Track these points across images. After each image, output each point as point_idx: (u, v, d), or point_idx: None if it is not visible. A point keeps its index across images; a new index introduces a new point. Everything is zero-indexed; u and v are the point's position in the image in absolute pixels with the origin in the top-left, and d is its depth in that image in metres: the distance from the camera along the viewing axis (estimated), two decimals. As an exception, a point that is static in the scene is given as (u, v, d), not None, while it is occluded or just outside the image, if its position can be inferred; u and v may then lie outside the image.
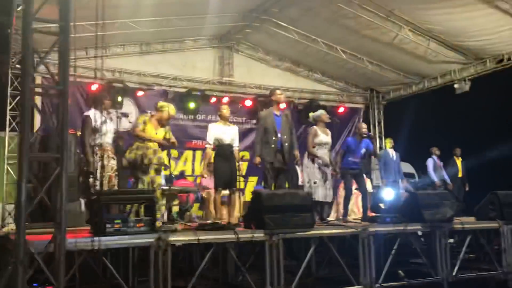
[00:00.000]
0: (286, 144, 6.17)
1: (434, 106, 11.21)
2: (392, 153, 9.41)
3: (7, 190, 8.84)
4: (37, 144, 5.25)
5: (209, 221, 5.42)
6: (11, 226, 5.96)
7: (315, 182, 6.22)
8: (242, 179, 10.82)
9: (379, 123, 13.54)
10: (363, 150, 7.02)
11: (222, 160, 6.03)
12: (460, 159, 10.89)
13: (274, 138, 6.15)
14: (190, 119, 11.58)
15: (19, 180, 3.13)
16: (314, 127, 6.56)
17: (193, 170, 11.45)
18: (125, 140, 6.20)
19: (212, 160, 6.30)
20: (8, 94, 9.23)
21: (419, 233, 6.01)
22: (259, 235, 4.66)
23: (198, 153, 11.26)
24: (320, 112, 6.74)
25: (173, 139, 5.78)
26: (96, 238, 3.70)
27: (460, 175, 10.73)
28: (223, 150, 6.11)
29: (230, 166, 6.06)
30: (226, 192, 8.92)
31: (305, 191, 5.24)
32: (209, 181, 8.04)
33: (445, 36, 10.13)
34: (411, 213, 5.61)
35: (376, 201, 5.90)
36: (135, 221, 4.29)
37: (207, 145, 6.20)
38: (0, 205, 8.45)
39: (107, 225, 4.09)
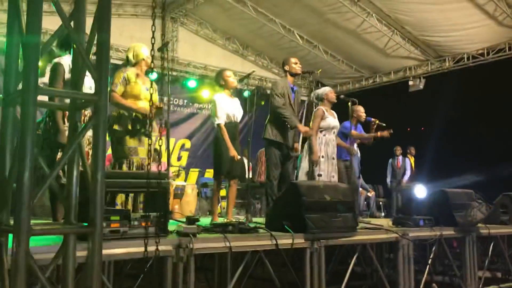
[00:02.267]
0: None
1: (385, 103, 10.69)
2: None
3: None
4: None
5: (225, 220, 4.01)
6: None
7: (319, 175, 5.08)
8: (183, 172, 9.52)
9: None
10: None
11: (231, 141, 4.62)
12: (413, 158, 10.50)
13: None
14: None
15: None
16: (321, 107, 5.46)
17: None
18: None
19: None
20: None
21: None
22: (299, 240, 3.41)
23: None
24: (326, 89, 5.64)
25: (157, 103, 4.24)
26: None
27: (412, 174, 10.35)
28: (232, 129, 4.72)
29: (239, 150, 4.69)
30: (180, 183, 7.50)
31: (345, 185, 4.07)
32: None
33: (411, 28, 9.65)
34: (441, 215, 4.76)
35: (406, 199, 4.95)
36: (140, 219, 2.82)
37: (218, 122, 4.66)
38: None
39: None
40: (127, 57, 4.33)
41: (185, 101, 10.74)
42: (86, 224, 2.00)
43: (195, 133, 10.47)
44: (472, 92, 9.39)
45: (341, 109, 5.77)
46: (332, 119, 5.42)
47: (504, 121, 8.85)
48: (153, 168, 3.50)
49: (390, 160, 10.43)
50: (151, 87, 3.91)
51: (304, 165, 5.16)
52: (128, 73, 4.21)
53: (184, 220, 3.21)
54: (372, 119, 6.12)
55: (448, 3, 8.57)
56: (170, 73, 9.47)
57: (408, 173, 10.18)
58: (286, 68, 5.07)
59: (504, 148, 8.67)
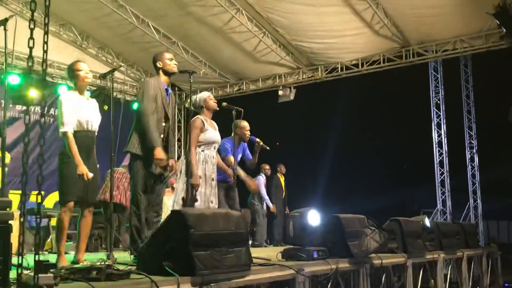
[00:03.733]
0: (172, 136, 4.57)
1: (252, 114, 10.81)
2: None
3: None
4: None
5: (82, 262, 3.34)
6: None
7: (195, 200, 4.70)
8: None
9: (178, 130, 12.43)
10: (239, 156, 5.85)
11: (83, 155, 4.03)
12: (283, 177, 10.66)
13: (164, 123, 4.52)
14: None
15: None
16: (199, 117, 5.06)
17: None
18: None
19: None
20: None
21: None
22: (186, 285, 3.05)
23: None
24: (204, 94, 5.27)
25: None
26: None
27: (283, 195, 10.49)
28: (85, 140, 4.19)
29: (94, 167, 4.06)
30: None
31: (237, 213, 3.71)
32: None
33: (284, 31, 9.87)
34: (335, 244, 4.72)
35: (297, 227, 4.77)
36: None
37: (64, 130, 4.03)
38: None
39: None
40: None
41: (2, 101, 9.47)
42: None
43: (17, 143, 9.27)
44: (347, 104, 9.94)
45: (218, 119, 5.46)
46: (212, 132, 5.05)
47: (381, 133, 9.49)
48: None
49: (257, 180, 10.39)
50: None
51: (180, 187, 4.74)
52: None
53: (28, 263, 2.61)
54: (256, 140, 5.93)
55: (326, 6, 8.91)
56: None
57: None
58: (159, 65, 4.59)
59: (380, 162, 9.29)
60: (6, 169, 9.16)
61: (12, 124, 9.49)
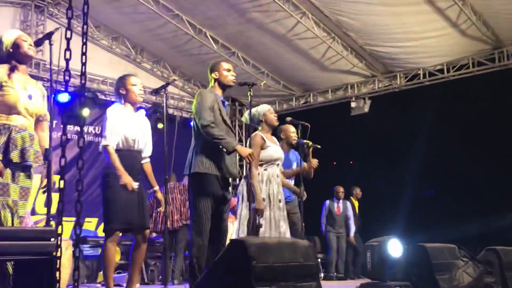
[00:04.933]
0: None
1: (320, 130, 10.75)
2: None
3: None
4: None
5: None
6: None
7: (260, 225, 4.66)
8: (53, 223, 8.61)
9: (240, 147, 12.50)
10: (294, 165, 5.82)
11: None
12: (358, 202, 10.48)
13: None
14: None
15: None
16: (259, 133, 5.07)
17: None
18: None
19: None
20: None
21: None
22: None
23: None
24: (264, 108, 5.30)
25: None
26: None
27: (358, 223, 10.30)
28: (130, 160, 4.35)
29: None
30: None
31: (305, 242, 3.64)
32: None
33: (356, 35, 9.77)
34: (421, 279, 4.56)
35: (376, 258, 4.66)
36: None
37: (105, 144, 4.24)
38: None
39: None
40: None
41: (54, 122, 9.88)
42: None
43: (71, 165, 9.60)
44: (431, 116, 9.64)
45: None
46: (274, 148, 5.05)
47: (472, 148, 9.14)
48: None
49: (327, 203, 10.24)
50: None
51: (244, 212, 4.73)
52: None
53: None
54: (304, 141, 5.87)
55: (404, 5, 8.73)
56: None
57: (351, 222, 10.10)
58: (215, 75, 4.62)
59: (471, 182, 8.93)
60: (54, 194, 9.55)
61: (67, 144, 9.84)
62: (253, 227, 4.62)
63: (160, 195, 4.39)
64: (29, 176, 3.67)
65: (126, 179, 4.07)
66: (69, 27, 2.72)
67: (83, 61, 2.74)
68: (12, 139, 3.54)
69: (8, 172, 3.51)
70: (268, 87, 11.60)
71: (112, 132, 4.22)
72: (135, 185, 4.13)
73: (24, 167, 3.62)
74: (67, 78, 2.67)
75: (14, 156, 3.53)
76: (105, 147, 4.20)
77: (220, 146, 4.29)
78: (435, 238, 5.70)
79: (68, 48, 2.69)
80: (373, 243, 4.70)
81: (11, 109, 3.59)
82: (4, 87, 3.56)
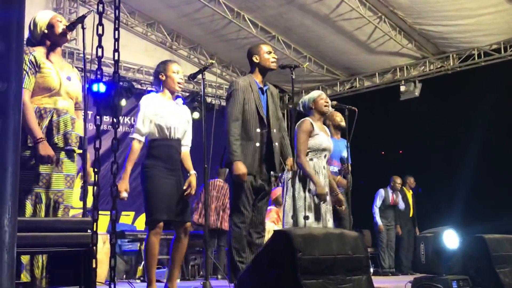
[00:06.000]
0: (276, 143, 4.57)
1: (367, 116, 10.68)
2: None
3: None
4: None
5: None
6: None
7: (306, 217, 4.66)
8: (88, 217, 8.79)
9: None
10: (344, 153, 5.80)
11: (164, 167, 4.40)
12: (411, 192, 10.34)
13: (258, 130, 4.51)
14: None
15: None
16: (308, 119, 5.08)
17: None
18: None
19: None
20: None
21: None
22: None
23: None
24: (314, 94, 5.29)
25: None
26: None
27: (411, 214, 10.17)
28: (166, 149, 4.40)
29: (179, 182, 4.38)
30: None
31: (354, 234, 3.63)
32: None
33: (405, 14, 9.64)
34: (479, 272, 4.50)
35: (431, 251, 4.59)
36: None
37: (133, 136, 4.33)
38: None
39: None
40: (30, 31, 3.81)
41: (89, 113, 10.06)
42: None
43: (105, 159, 9.80)
44: (488, 99, 9.43)
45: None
46: (323, 137, 5.04)
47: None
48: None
49: (382, 191, 10.07)
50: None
51: (288, 205, 4.76)
52: (35, 54, 3.66)
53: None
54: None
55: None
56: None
57: (402, 214, 9.98)
58: (255, 59, 4.61)
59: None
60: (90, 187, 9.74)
61: (101, 135, 10.02)
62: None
63: (194, 180, 4.36)
64: (73, 162, 3.74)
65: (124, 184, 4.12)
66: (100, 22, 2.68)
67: (116, 47, 2.70)
68: (54, 122, 3.60)
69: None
70: (311, 72, 11.56)
71: (142, 123, 4.25)
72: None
73: (67, 152, 3.67)
74: (98, 76, 2.65)
75: (58, 140, 3.58)
76: (131, 140, 4.26)
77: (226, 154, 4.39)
78: (494, 228, 5.60)
79: (100, 45, 2.66)
80: (427, 234, 4.62)
81: (52, 91, 3.64)
82: (43, 68, 3.62)
